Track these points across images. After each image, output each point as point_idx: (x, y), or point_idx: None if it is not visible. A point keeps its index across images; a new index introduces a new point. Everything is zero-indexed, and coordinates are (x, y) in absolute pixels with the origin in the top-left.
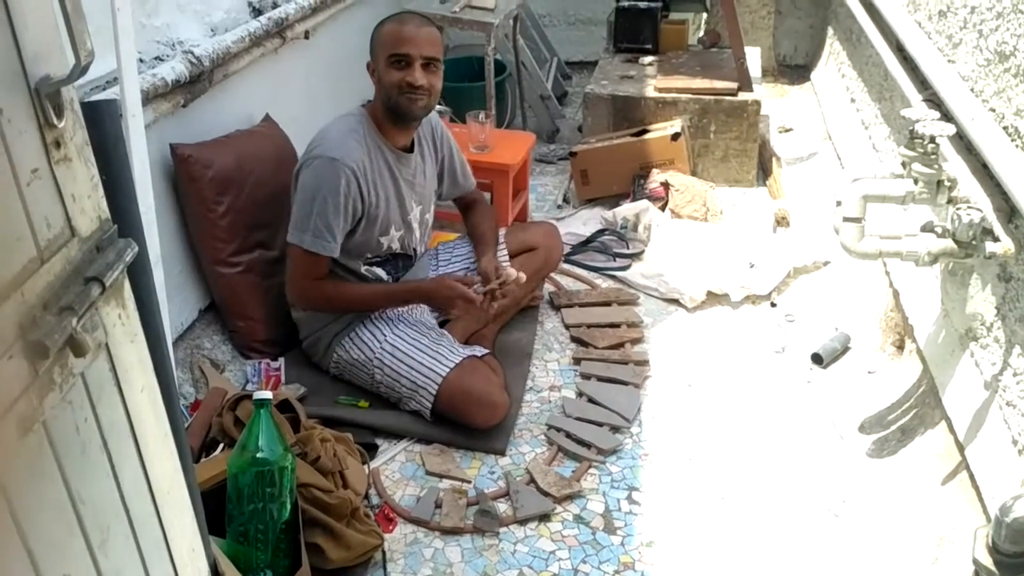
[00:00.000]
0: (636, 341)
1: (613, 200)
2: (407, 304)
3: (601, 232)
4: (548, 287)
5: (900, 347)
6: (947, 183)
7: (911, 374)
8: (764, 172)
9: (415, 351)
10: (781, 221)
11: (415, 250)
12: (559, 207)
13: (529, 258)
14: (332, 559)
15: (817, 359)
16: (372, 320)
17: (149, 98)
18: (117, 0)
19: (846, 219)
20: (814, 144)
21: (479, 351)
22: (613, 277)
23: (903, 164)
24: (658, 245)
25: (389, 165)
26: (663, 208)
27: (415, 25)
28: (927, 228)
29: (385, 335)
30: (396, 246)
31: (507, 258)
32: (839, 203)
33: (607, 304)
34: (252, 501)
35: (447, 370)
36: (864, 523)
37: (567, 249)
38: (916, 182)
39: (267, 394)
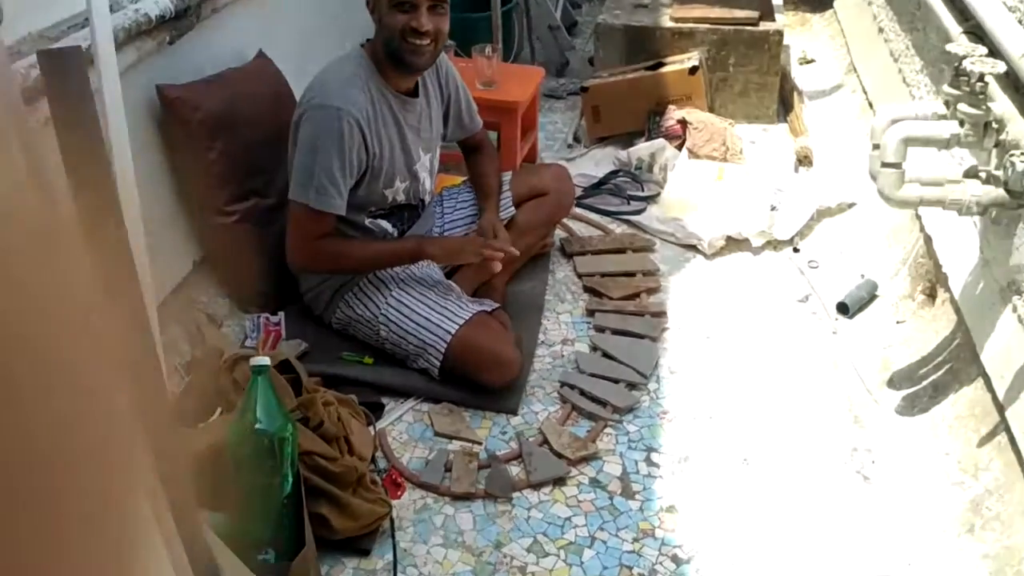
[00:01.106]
0: (652, 291)
1: (627, 138)
2: (421, 260)
3: (614, 173)
4: (559, 233)
5: (931, 295)
6: (995, 125)
7: (944, 326)
8: (785, 107)
9: (422, 307)
10: (804, 160)
11: (421, 200)
12: (569, 146)
13: (538, 204)
14: (338, 530)
15: (843, 308)
16: (376, 275)
17: (132, 35)
18: None
19: (885, 164)
20: (838, 77)
21: (488, 305)
22: (627, 222)
23: (946, 103)
24: (675, 186)
25: (393, 112)
26: (680, 147)
27: None
28: (971, 173)
29: (391, 290)
30: (401, 197)
31: (511, 206)
32: (876, 146)
33: (621, 251)
34: (252, 474)
35: (456, 327)
36: (895, 486)
37: (578, 192)
38: (962, 124)
39: (265, 359)
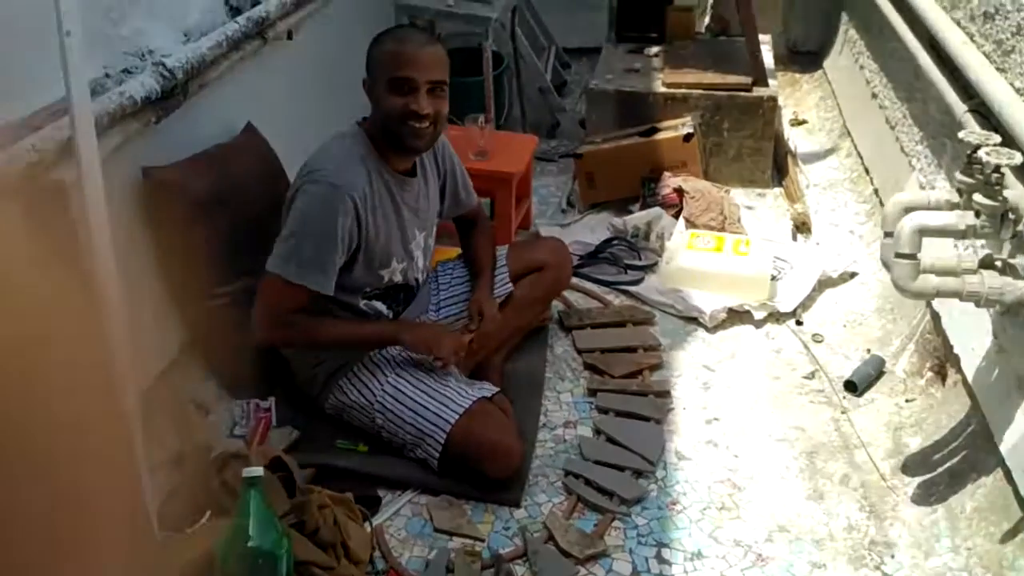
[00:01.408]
0: (654, 367)
1: (621, 204)
2: (395, 346)
3: (610, 241)
4: (557, 305)
5: (940, 374)
6: (1011, 216)
7: (957, 409)
8: (779, 171)
9: (420, 394)
10: (801, 227)
11: (416, 280)
12: (563, 211)
13: (536, 280)
14: None
15: (851, 387)
16: (371, 359)
17: (116, 119)
18: (66, 22)
19: (899, 255)
20: (831, 139)
21: (488, 390)
22: (626, 292)
23: (959, 191)
24: (674, 257)
25: (391, 192)
26: (676, 216)
27: (418, 44)
28: (987, 262)
29: (387, 376)
30: (398, 278)
31: (508, 282)
32: (889, 234)
33: (621, 325)
34: None
35: (456, 416)
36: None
37: (575, 261)
38: (977, 214)
39: (258, 470)
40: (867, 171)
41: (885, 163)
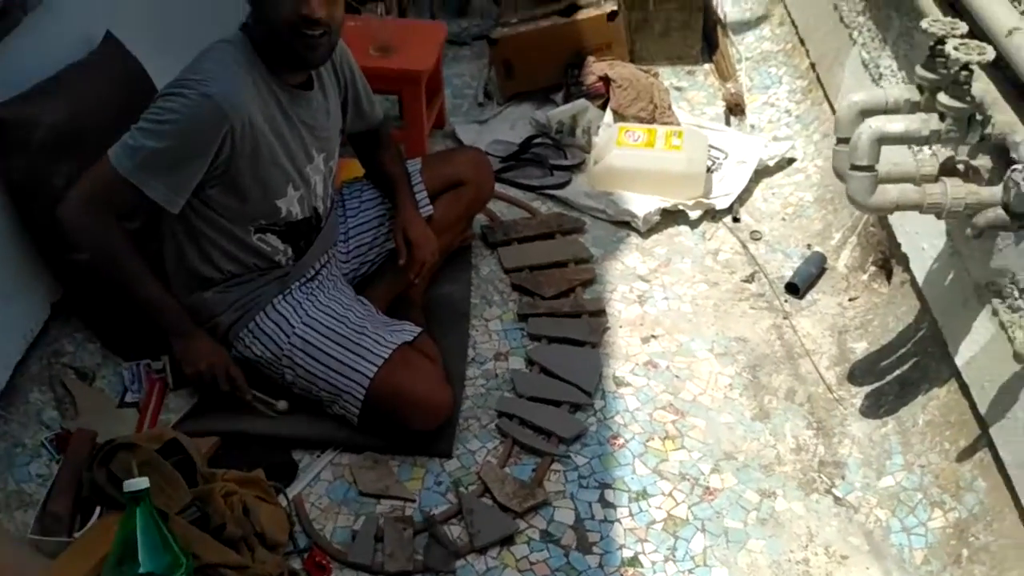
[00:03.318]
0: (587, 283)
1: (543, 94)
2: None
3: (533, 139)
4: (480, 218)
5: (884, 268)
6: (979, 117)
7: (905, 312)
8: (709, 45)
9: (331, 346)
10: (734, 109)
11: (316, 210)
12: (480, 104)
13: (455, 197)
14: None
15: (793, 289)
16: (275, 306)
17: None
18: None
19: (855, 167)
20: (761, 4)
21: (408, 332)
22: (553, 197)
23: (919, 87)
24: (601, 155)
25: (282, 107)
26: (603, 107)
27: None
28: (948, 167)
29: (293, 326)
30: (296, 209)
31: (428, 202)
32: (843, 140)
33: (550, 236)
34: None
35: (373, 369)
36: (870, 508)
37: (496, 164)
38: (942, 117)
39: (142, 482)
40: (802, 42)
41: (822, 34)
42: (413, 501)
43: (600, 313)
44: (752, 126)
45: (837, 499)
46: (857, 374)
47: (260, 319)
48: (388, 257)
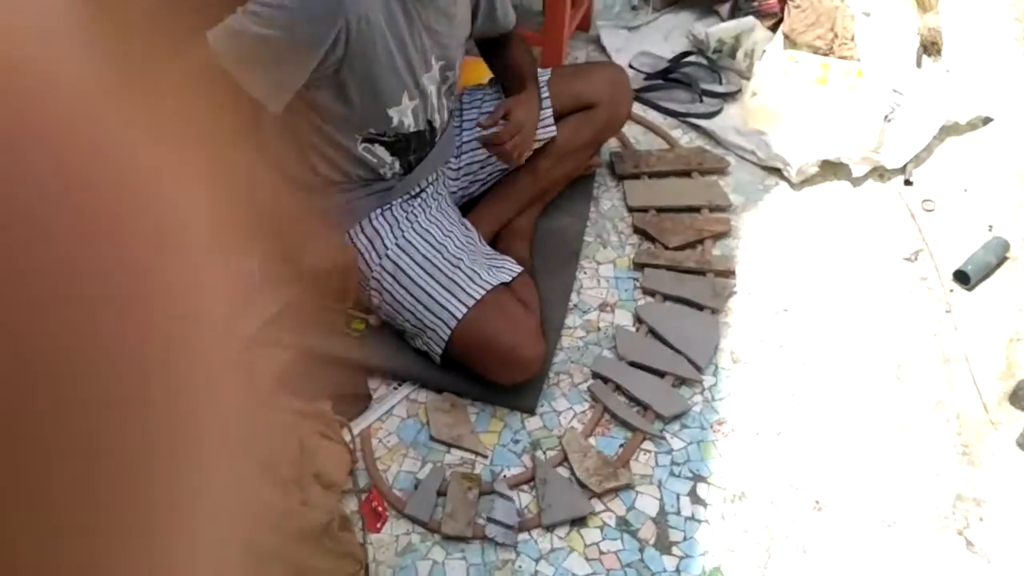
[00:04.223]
0: (719, 236)
1: (707, 4)
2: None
3: (685, 56)
4: (611, 142)
5: None
6: None
7: None
8: None
9: (423, 276)
10: (930, 47)
11: (430, 123)
12: (634, 7)
13: (584, 120)
14: None
15: (962, 278)
16: (372, 221)
17: None
18: None
19: None
20: None
21: (508, 271)
22: (697, 127)
23: None
24: (762, 86)
25: (405, 5)
26: (774, 29)
27: None
28: None
29: (387, 247)
30: (408, 120)
31: (551, 123)
32: None
33: (686, 174)
34: None
35: (463, 310)
36: (1008, 559)
37: (639, 82)
38: None
39: None
40: None
41: None
42: (485, 457)
43: (729, 274)
44: (947, 71)
45: (969, 543)
46: (1021, 395)
47: (354, 233)
48: (501, 179)
